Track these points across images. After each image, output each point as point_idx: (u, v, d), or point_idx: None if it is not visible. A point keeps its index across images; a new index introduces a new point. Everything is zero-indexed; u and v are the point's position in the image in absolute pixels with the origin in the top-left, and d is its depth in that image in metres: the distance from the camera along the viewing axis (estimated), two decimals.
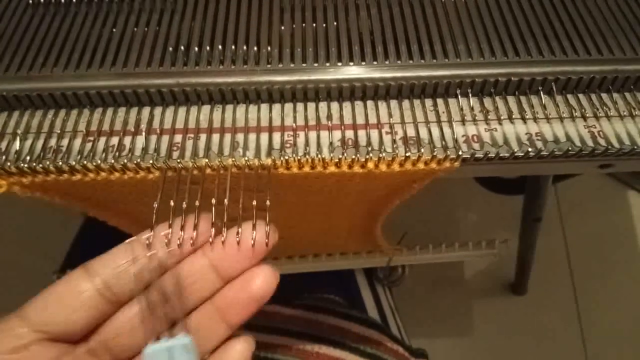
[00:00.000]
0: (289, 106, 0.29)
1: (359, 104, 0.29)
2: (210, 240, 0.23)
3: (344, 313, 0.52)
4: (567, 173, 0.33)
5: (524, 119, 0.28)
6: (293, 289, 0.55)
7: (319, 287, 0.55)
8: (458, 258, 0.56)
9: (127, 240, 0.23)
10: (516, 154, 0.27)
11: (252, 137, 0.28)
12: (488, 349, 0.93)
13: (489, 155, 0.27)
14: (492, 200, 0.98)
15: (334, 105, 0.29)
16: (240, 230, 0.23)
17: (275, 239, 0.24)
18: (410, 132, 0.28)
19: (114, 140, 0.28)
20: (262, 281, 0.23)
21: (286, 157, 0.27)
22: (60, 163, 0.27)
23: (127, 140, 0.28)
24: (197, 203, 0.25)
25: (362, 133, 0.28)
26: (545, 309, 0.96)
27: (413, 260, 0.53)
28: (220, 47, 0.30)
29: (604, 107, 0.28)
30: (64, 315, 0.22)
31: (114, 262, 0.22)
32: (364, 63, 0.29)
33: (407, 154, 0.27)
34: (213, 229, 0.23)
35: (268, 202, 0.25)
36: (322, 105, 0.29)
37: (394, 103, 0.29)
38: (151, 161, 0.26)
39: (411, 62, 0.29)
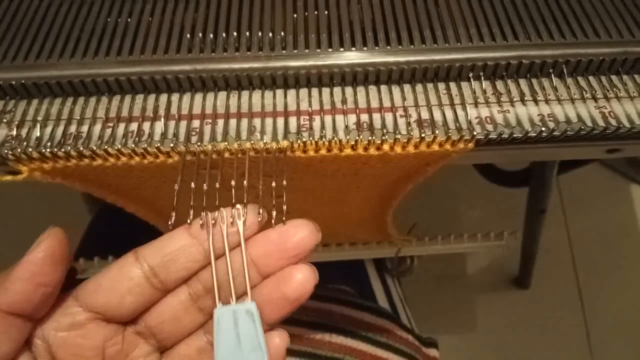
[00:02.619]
0: (304, 91, 0.30)
1: (372, 89, 0.30)
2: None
3: (355, 303, 0.52)
4: (575, 158, 0.33)
5: (535, 101, 0.29)
6: None
7: (330, 278, 0.55)
8: (466, 249, 0.56)
9: (177, 229, 0.23)
10: (529, 134, 0.27)
11: (268, 121, 0.29)
12: (492, 342, 0.94)
13: (503, 135, 0.27)
14: (497, 195, 0.99)
15: (349, 90, 0.30)
16: (283, 226, 0.23)
17: (319, 239, 0.23)
18: (424, 115, 0.29)
19: (133, 126, 0.28)
20: (299, 281, 0.22)
21: (303, 140, 0.27)
22: (81, 148, 0.27)
23: (146, 125, 0.28)
24: (217, 185, 0.25)
25: (376, 116, 0.29)
26: (549, 302, 0.96)
27: (422, 251, 0.54)
28: (235, 34, 0.30)
29: (614, 89, 0.29)
30: (116, 299, 0.22)
31: (163, 250, 0.23)
32: (377, 48, 0.29)
33: (422, 136, 0.27)
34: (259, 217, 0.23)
35: (285, 182, 0.25)
36: (337, 90, 0.30)
37: (407, 87, 0.30)
38: (171, 145, 0.27)
39: (424, 46, 0.29)
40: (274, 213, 0.24)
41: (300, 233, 0.23)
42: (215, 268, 0.23)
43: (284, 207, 0.25)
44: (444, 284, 0.99)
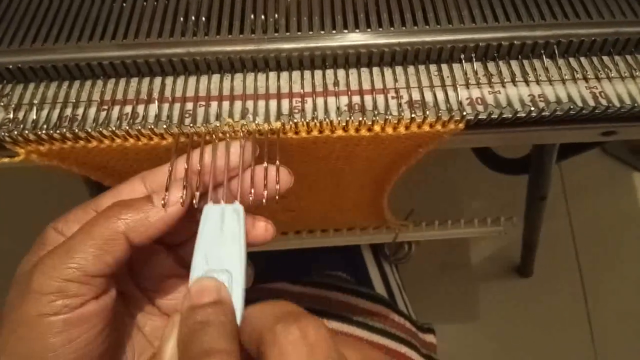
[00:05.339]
0: (296, 74, 0.30)
1: (364, 71, 0.30)
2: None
3: (352, 289, 0.53)
4: (570, 141, 0.33)
5: (526, 82, 0.29)
6: (301, 267, 0.56)
7: (327, 265, 0.55)
8: (463, 235, 0.57)
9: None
10: (519, 114, 0.27)
11: (261, 104, 0.29)
12: (494, 330, 0.94)
13: (492, 116, 0.27)
14: (498, 184, 0.99)
15: (341, 72, 0.30)
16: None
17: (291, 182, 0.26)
18: (416, 96, 0.29)
19: (128, 109, 0.29)
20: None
21: (295, 121, 0.27)
22: (77, 130, 0.27)
23: (140, 108, 0.29)
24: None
25: (368, 98, 0.29)
26: (551, 291, 0.96)
27: (419, 236, 0.54)
28: (228, 17, 0.30)
29: (605, 69, 0.29)
30: None
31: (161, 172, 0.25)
32: (369, 30, 0.30)
33: (413, 116, 0.27)
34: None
35: (278, 162, 0.26)
36: (329, 72, 0.30)
37: (399, 69, 0.30)
38: (165, 126, 0.27)
39: (416, 28, 0.30)
40: (265, 193, 0.25)
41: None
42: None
43: (277, 187, 0.25)
44: (446, 272, 0.99)
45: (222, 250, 0.23)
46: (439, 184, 1.02)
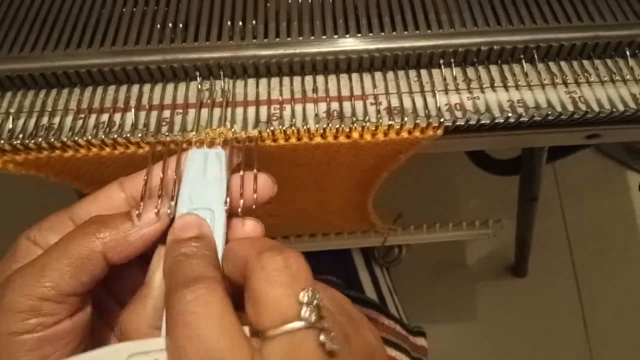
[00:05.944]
0: (275, 80, 0.30)
1: (344, 77, 0.30)
2: None
3: (341, 293, 0.52)
4: (554, 144, 0.33)
5: (506, 87, 0.29)
6: None
7: (316, 269, 0.55)
8: (452, 238, 0.56)
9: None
10: (496, 120, 0.27)
11: (239, 111, 0.29)
12: (489, 330, 0.94)
13: (470, 122, 0.27)
14: (492, 185, 0.99)
15: (320, 79, 0.30)
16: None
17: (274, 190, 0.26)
18: (395, 102, 0.29)
19: (104, 117, 0.29)
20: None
21: (272, 129, 0.27)
22: (52, 140, 0.27)
23: (117, 116, 0.29)
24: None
25: (347, 104, 0.29)
26: (545, 290, 0.96)
27: (408, 240, 0.54)
28: (206, 23, 0.30)
29: (585, 73, 0.29)
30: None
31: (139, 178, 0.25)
32: (348, 36, 0.29)
33: (391, 123, 0.27)
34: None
35: (255, 170, 0.25)
36: (308, 78, 0.30)
37: (378, 75, 0.30)
38: (140, 135, 0.27)
39: (395, 33, 0.29)
40: (242, 202, 0.25)
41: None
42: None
43: (255, 196, 0.25)
44: (440, 272, 0.99)
45: (205, 191, 0.24)
46: (432, 185, 1.02)
